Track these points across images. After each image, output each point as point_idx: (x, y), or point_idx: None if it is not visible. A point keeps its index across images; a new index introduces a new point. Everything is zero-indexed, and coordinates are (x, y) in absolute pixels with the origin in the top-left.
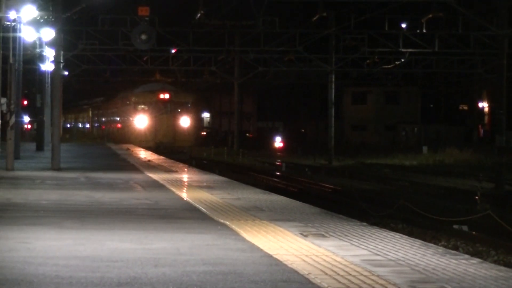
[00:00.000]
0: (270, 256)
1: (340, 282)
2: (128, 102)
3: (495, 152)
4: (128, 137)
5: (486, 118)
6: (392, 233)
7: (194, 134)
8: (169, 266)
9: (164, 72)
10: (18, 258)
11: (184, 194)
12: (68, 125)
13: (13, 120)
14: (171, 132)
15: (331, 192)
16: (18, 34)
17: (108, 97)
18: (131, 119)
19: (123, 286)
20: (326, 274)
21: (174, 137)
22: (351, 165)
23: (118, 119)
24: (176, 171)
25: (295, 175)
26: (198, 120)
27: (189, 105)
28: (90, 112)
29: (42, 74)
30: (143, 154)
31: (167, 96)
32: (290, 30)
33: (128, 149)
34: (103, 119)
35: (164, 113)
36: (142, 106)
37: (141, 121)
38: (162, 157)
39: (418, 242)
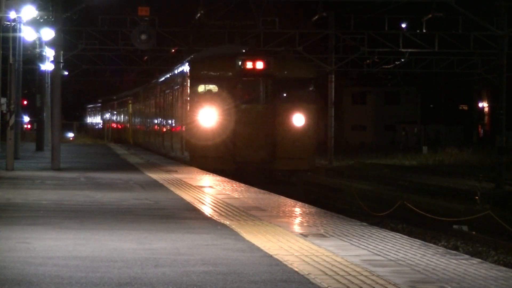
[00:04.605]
0: (270, 256)
1: (340, 282)
2: (178, 82)
3: (495, 152)
4: (175, 148)
5: (486, 118)
6: (392, 233)
7: (314, 145)
8: (169, 266)
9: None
10: (18, 258)
11: (184, 194)
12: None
13: (13, 120)
14: (266, 140)
15: (331, 192)
16: (18, 34)
17: (156, 79)
18: (184, 114)
19: (123, 286)
20: (326, 274)
21: (274, 151)
22: (351, 165)
23: (158, 118)
24: (175, 171)
25: (294, 175)
26: (320, 119)
27: (308, 85)
28: (130, 106)
29: (42, 74)
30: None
31: (260, 65)
32: (290, 30)
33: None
34: (136, 118)
35: (253, 102)
36: (207, 86)
37: (204, 118)
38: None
39: (418, 242)
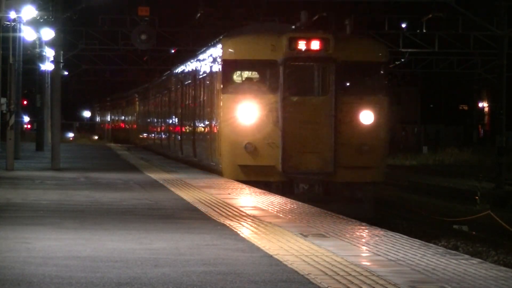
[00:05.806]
0: (270, 256)
1: (340, 282)
2: (205, 69)
3: (495, 152)
4: (198, 153)
5: (486, 118)
6: (392, 233)
7: (386, 150)
8: (169, 266)
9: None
10: (18, 258)
11: (184, 194)
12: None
13: (13, 120)
14: (324, 144)
15: (331, 192)
16: (18, 34)
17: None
18: (214, 110)
19: (123, 286)
20: (326, 274)
21: (335, 157)
22: None
23: (174, 116)
24: (175, 171)
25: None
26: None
27: (378, 72)
28: (137, 104)
29: (42, 74)
30: None
31: (316, 45)
32: None
33: None
34: (144, 117)
35: (307, 93)
36: (245, 73)
37: (242, 114)
38: None
39: (418, 242)
